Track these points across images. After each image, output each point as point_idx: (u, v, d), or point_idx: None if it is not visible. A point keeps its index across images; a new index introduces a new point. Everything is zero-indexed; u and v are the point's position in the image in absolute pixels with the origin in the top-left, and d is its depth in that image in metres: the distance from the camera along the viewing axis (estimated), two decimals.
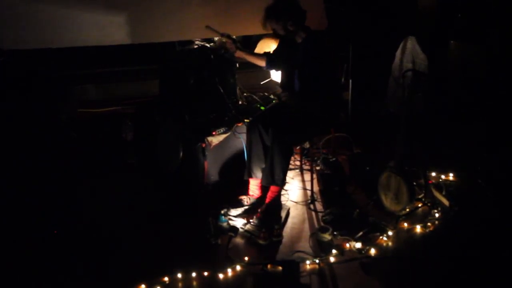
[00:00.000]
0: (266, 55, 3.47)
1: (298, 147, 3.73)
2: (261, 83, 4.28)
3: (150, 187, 3.45)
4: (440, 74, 4.38)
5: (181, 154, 3.32)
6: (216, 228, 2.87)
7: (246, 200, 3.14)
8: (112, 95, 4.96)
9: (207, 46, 3.68)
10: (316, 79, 3.01)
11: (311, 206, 3.22)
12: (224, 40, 3.43)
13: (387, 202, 3.08)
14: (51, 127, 3.85)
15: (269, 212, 2.96)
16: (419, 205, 3.10)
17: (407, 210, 3.01)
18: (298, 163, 3.79)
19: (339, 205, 3.11)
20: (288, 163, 3.04)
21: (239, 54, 3.47)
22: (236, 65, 3.77)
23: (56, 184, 3.38)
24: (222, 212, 3.00)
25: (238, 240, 2.84)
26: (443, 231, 2.87)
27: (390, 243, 2.76)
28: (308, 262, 2.58)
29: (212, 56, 3.57)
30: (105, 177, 3.54)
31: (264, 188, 3.09)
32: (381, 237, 2.78)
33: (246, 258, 2.60)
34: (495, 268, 2.52)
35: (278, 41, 3.41)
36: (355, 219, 2.95)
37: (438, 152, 3.80)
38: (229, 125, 3.45)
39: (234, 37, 3.48)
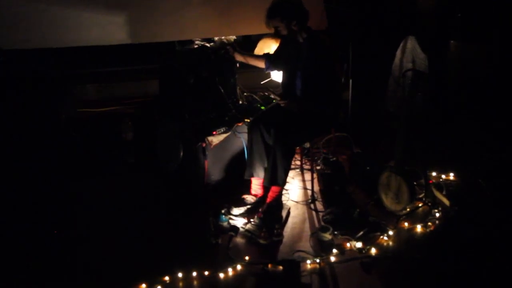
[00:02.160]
0: (265, 56, 3.46)
1: (298, 147, 3.73)
2: (262, 83, 4.27)
3: (150, 187, 3.45)
4: (440, 74, 4.38)
5: (181, 153, 3.32)
6: (217, 227, 2.87)
7: (249, 199, 3.14)
8: (112, 95, 4.96)
9: (207, 46, 3.67)
10: (318, 80, 3.00)
11: (312, 206, 3.22)
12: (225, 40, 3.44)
13: (388, 201, 3.08)
14: (51, 127, 3.84)
15: (270, 212, 2.96)
16: (420, 204, 3.09)
17: (408, 209, 3.01)
18: (298, 162, 3.79)
19: (340, 204, 3.10)
20: (290, 164, 3.04)
21: (238, 57, 3.47)
22: (236, 64, 3.77)
23: (56, 184, 3.38)
24: (223, 211, 3.01)
25: (239, 240, 2.84)
26: (443, 230, 2.87)
27: (390, 243, 2.76)
28: (308, 261, 2.58)
29: (212, 56, 3.57)
30: (105, 177, 3.54)
31: (266, 187, 3.09)
32: (381, 236, 2.79)
33: (247, 258, 2.60)
34: (496, 268, 2.52)
35: (278, 41, 3.40)
36: (355, 219, 2.95)
37: (439, 151, 3.80)
38: (229, 125, 3.45)
39: (234, 38, 3.47)
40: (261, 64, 3.46)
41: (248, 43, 4.49)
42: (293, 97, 3.13)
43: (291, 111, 3.08)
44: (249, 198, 3.15)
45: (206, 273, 2.50)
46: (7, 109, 3.66)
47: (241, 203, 3.10)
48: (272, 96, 3.53)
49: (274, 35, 3.15)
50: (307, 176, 3.60)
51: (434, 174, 3.48)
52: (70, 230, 2.94)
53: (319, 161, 3.64)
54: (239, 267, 2.54)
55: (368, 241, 2.75)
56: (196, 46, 3.71)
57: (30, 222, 3.01)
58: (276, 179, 2.96)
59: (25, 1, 3.35)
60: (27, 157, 3.51)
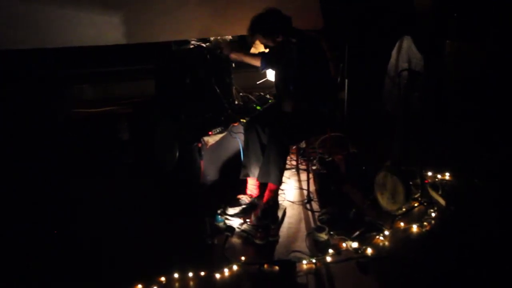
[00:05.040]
0: (261, 55, 3.47)
1: (294, 147, 3.73)
2: (257, 83, 4.28)
3: (146, 187, 3.45)
4: (436, 73, 4.39)
5: (177, 154, 3.32)
6: (213, 228, 2.86)
7: (244, 199, 3.14)
8: (109, 95, 4.95)
9: (203, 46, 3.67)
10: (312, 80, 3.00)
11: (308, 206, 3.22)
12: (220, 40, 3.44)
13: (384, 201, 3.09)
14: (48, 127, 3.84)
15: (266, 211, 2.96)
16: (416, 204, 3.10)
17: (404, 209, 3.02)
18: (294, 162, 3.80)
19: (335, 204, 3.11)
20: (285, 162, 3.04)
21: (234, 55, 3.47)
22: (232, 65, 3.78)
23: (54, 184, 3.38)
24: (219, 211, 3.00)
25: (235, 240, 2.84)
26: (439, 230, 2.88)
27: (386, 243, 2.76)
28: (304, 262, 2.58)
29: (208, 56, 3.57)
30: (101, 177, 3.54)
31: (262, 187, 3.09)
32: (377, 236, 2.79)
33: (243, 258, 2.60)
34: (492, 268, 2.53)
35: None
36: (351, 219, 2.95)
37: (435, 151, 3.81)
38: (225, 125, 3.45)
39: (229, 38, 3.48)
40: (257, 63, 3.47)
41: (244, 44, 4.48)
42: (286, 96, 3.13)
43: (286, 110, 3.09)
44: (245, 198, 3.16)
45: (202, 273, 2.49)
46: (6, 109, 3.66)
47: (236, 203, 3.11)
48: (268, 97, 3.54)
49: (265, 47, 3.15)
50: (303, 176, 3.60)
51: (430, 174, 3.48)
52: (70, 230, 2.95)
53: (315, 161, 3.64)
54: (235, 267, 2.54)
55: (364, 241, 2.74)
56: (192, 46, 3.71)
57: (30, 222, 3.02)
58: (270, 176, 2.96)
59: (22, 1, 3.33)
60: (26, 157, 3.51)
